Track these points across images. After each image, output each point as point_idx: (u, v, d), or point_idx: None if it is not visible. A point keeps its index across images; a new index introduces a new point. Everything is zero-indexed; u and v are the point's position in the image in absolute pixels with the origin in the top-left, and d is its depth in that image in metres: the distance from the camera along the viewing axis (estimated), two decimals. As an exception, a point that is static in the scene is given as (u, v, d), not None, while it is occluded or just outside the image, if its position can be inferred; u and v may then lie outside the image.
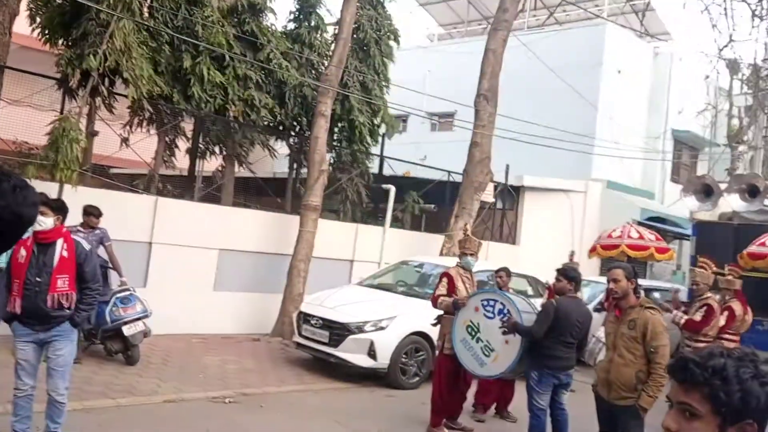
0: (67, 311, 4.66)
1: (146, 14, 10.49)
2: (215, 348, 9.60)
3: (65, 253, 4.62)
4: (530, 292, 10.51)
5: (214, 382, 7.72)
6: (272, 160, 14.19)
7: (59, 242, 4.64)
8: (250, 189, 14.40)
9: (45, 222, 4.50)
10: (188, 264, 10.24)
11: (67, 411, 4.88)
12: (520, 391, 6.70)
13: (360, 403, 7.76)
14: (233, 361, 8.88)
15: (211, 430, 6.09)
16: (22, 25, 10.04)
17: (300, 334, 9.02)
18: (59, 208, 4.84)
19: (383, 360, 8.35)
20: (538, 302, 7.45)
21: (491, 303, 6.32)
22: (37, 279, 4.54)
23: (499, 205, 15.77)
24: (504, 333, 6.05)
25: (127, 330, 7.68)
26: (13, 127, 10.81)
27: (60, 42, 10.24)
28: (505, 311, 6.15)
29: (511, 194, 15.79)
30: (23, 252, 4.56)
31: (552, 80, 18.07)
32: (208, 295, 10.54)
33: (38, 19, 10.51)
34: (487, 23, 22.59)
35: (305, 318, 8.97)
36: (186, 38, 10.69)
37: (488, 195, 13.49)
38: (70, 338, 4.77)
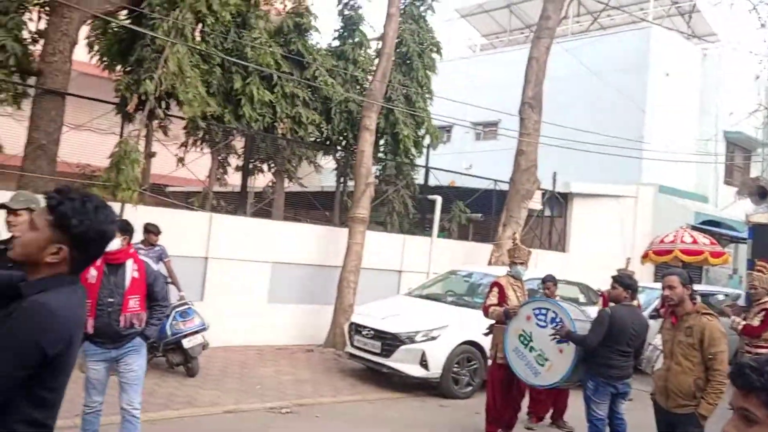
0: (137, 328, 4.74)
1: (198, 38, 10.87)
2: (270, 359, 9.82)
3: (136, 274, 4.71)
4: (582, 299, 10.43)
5: (270, 392, 7.91)
6: (319, 174, 14.44)
7: (129, 263, 4.73)
8: (300, 203, 14.70)
9: (112, 242, 4.59)
10: (243, 277, 10.52)
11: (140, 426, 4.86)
12: (578, 400, 6.67)
13: (413, 413, 7.84)
14: (288, 372, 9.08)
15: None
16: (81, 53, 10.54)
17: (352, 345, 9.17)
18: (125, 228, 4.90)
19: (435, 369, 8.42)
20: (590, 310, 7.42)
21: (543, 311, 6.33)
22: (110, 299, 4.61)
23: (547, 212, 15.67)
24: (557, 342, 6.05)
25: (186, 343, 7.95)
26: (76, 150, 11.36)
27: (117, 68, 10.70)
28: (558, 320, 6.16)
29: (559, 201, 15.68)
30: (93, 272, 4.59)
31: (598, 85, 17.91)
32: (262, 308, 10.80)
33: (96, 47, 11.02)
34: (529, 31, 22.54)
35: (357, 329, 9.11)
36: (236, 60, 11.07)
37: (536, 203, 13.45)
38: (140, 353, 4.84)
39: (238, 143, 12.67)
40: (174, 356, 8.10)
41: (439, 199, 13.26)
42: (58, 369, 1.96)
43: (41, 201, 4.71)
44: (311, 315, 11.27)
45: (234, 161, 12.83)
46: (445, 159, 17.07)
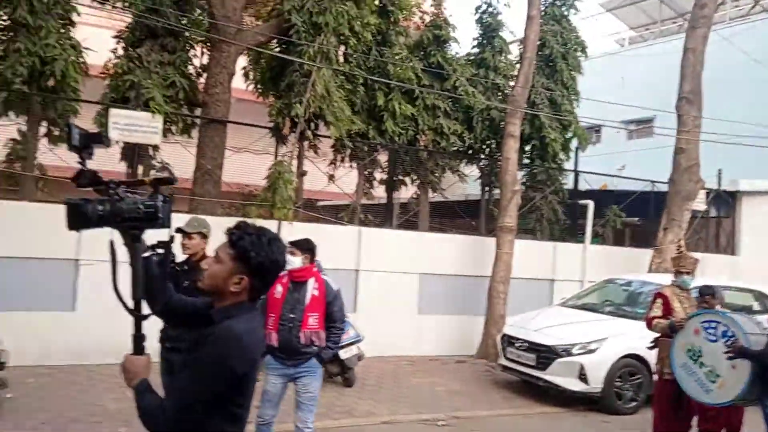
0: (315, 348, 4.86)
1: (342, 60, 11.30)
2: (423, 370, 9.91)
3: (315, 292, 4.85)
4: (756, 307, 9.53)
5: (425, 404, 7.97)
6: (463, 184, 14.42)
7: (311, 281, 4.88)
8: (445, 213, 14.75)
9: (293, 261, 4.74)
10: (392, 289, 10.71)
11: None
12: (756, 417, 6.08)
13: (574, 429, 7.56)
14: (442, 384, 9.10)
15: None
16: (237, 81, 11.30)
17: (505, 357, 9.01)
18: (307, 248, 4.96)
19: (595, 384, 8.05)
20: (765, 319, 6.76)
21: (713, 325, 5.85)
22: (291, 315, 4.77)
23: (713, 213, 14.49)
24: (730, 358, 5.56)
25: (343, 354, 8.20)
26: (236, 171, 12.22)
27: (270, 94, 11.35)
28: (730, 334, 5.66)
29: (726, 201, 14.44)
30: (279, 288, 4.79)
31: (763, 73, 16.33)
32: (412, 318, 10.94)
33: (251, 76, 11.80)
34: (683, 20, 21.09)
35: (509, 340, 8.95)
36: (378, 79, 11.38)
37: (699, 203, 12.49)
38: (316, 374, 4.94)
39: (383, 157, 12.97)
40: (331, 367, 8.39)
41: (590, 204, 12.73)
42: (245, 387, 2.20)
43: (211, 225, 5.14)
44: (461, 325, 11.24)
45: (379, 175, 13.13)
46: (595, 161, 16.31)
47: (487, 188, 13.91)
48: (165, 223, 2.14)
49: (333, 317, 4.92)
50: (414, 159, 12.76)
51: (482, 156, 13.48)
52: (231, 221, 8.36)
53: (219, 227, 5.80)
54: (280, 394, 4.96)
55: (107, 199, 2.10)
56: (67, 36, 9.63)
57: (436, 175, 13.01)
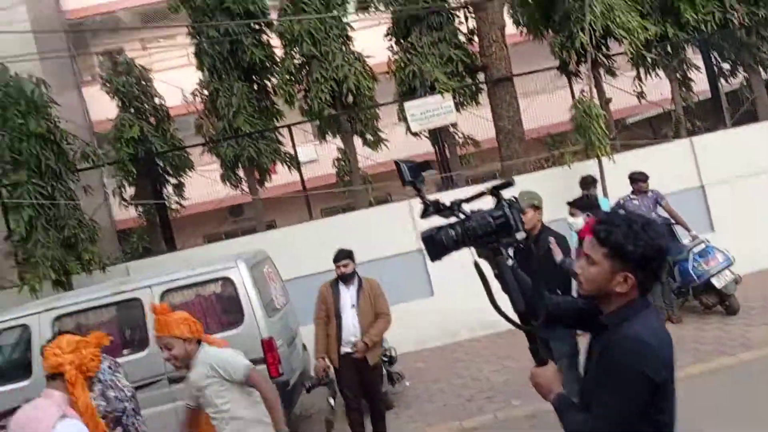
0: None
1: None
2: (818, 276, 8.44)
3: None
4: None
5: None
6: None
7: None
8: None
9: (576, 223, 4.48)
10: (751, 194, 9.34)
11: None
12: None
13: None
14: None
15: None
16: (507, 28, 10.88)
17: None
18: (583, 205, 4.77)
19: None
20: None
21: None
22: None
23: None
24: None
25: (716, 282, 7.38)
26: (533, 119, 11.84)
27: (547, 31, 10.67)
28: None
29: None
30: None
31: None
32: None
33: (520, 20, 11.28)
34: None
35: None
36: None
37: None
38: None
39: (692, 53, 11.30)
40: (708, 298, 7.61)
41: None
42: (667, 393, 1.98)
43: (539, 194, 4.92)
44: None
45: (694, 74, 11.46)
46: None
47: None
48: (519, 228, 2.00)
49: None
50: (731, 42, 10.86)
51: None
52: (548, 174, 8.11)
53: (536, 184, 5.63)
54: None
55: (457, 222, 2.06)
56: (349, 51, 10.31)
57: (764, 50, 10.91)
